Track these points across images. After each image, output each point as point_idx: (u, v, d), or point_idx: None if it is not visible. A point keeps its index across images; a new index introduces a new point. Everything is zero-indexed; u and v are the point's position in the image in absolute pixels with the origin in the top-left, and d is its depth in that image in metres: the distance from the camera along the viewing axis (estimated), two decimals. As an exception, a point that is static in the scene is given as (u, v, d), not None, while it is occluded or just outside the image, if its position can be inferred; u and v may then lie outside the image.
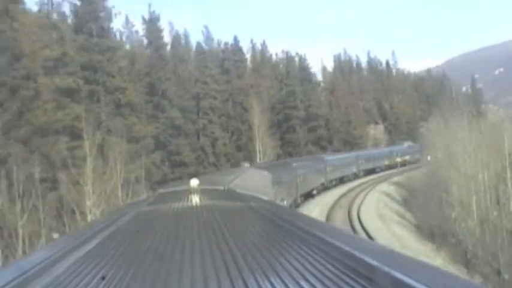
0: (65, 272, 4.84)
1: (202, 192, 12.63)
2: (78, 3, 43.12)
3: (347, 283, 3.83)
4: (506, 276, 32.13)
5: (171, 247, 6.17)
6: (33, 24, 38.58)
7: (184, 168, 50.12)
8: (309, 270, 4.33)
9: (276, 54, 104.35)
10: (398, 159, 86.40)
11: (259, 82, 79.99)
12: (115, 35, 53.64)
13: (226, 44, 75.08)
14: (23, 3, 38.26)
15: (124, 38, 65.14)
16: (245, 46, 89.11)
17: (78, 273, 4.78)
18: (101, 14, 44.42)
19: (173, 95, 52.65)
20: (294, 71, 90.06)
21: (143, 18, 56.30)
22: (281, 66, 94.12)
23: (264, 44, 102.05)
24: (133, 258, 5.46)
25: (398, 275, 3.61)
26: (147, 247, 6.09)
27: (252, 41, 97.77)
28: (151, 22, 55.81)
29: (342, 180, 66.32)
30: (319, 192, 54.47)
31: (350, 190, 60.30)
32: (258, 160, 55.68)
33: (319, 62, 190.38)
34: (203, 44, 75.51)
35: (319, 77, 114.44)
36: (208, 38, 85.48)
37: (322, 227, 8.79)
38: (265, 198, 14.43)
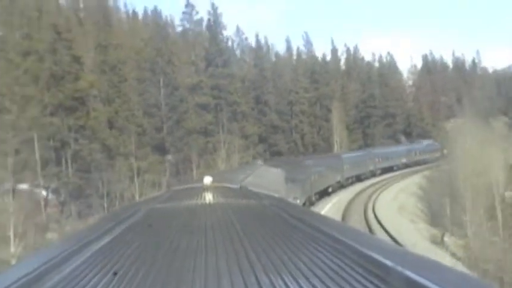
0: (77, 267, 4.90)
1: (215, 189, 12.79)
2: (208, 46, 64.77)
3: (360, 282, 3.81)
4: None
5: (184, 244, 6.18)
6: (181, 63, 60.65)
7: (280, 155, 70.24)
8: (322, 268, 4.33)
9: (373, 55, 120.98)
10: (416, 158, 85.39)
11: (348, 85, 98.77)
12: (227, 43, 75.23)
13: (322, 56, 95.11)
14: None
15: (235, 45, 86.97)
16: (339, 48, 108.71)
17: (90, 269, 4.83)
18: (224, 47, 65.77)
19: (272, 102, 73.08)
20: (381, 72, 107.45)
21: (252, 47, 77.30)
22: (368, 69, 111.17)
23: (356, 48, 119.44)
24: (146, 255, 5.47)
25: (412, 275, 3.60)
26: (160, 244, 6.14)
27: (345, 45, 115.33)
28: (259, 49, 76.73)
29: (359, 178, 65.81)
30: (335, 190, 54.51)
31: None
32: (335, 150, 74.84)
33: (409, 60, 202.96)
34: (303, 48, 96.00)
35: (406, 74, 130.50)
36: (308, 42, 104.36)
37: (334, 225, 8.58)
38: (278, 196, 14.79)
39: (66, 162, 50.81)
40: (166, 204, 11.27)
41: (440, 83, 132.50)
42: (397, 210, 42.54)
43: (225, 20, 70.59)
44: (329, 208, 44.17)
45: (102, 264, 5.01)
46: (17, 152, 49.46)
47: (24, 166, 49.12)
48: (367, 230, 34.10)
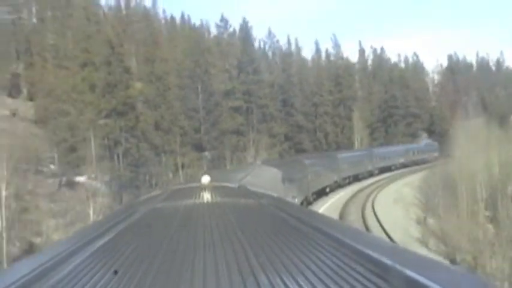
0: (77, 266, 4.95)
1: (214, 189, 12.83)
2: (240, 55, 72.84)
3: (359, 281, 3.82)
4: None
5: (183, 243, 6.22)
6: (216, 71, 68.96)
7: (304, 152, 77.93)
8: (321, 268, 4.35)
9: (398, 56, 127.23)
10: (414, 158, 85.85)
11: (373, 85, 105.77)
12: (260, 45, 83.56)
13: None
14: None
15: (267, 47, 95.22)
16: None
17: (90, 268, 4.89)
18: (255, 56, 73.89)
19: (298, 104, 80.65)
20: (402, 73, 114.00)
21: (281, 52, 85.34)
22: (390, 71, 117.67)
23: (382, 49, 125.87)
24: (146, 254, 5.51)
25: (411, 274, 3.62)
26: (159, 243, 6.16)
27: (371, 47, 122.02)
28: (288, 55, 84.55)
29: (356, 178, 65.54)
30: (332, 190, 54.54)
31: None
32: (355, 146, 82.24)
33: (436, 60, 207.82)
34: (331, 49, 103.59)
35: (432, 74, 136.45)
36: (336, 44, 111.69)
37: (333, 224, 8.67)
38: (276, 195, 14.96)
39: (118, 158, 59.32)
40: (165, 204, 11.28)
41: (463, 83, 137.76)
42: (394, 200, 46.73)
43: (257, 20, 78.92)
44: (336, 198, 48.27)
45: (103, 263, 5.09)
46: (75, 149, 58.38)
47: (82, 161, 57.95)
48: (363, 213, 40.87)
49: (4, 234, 36.84)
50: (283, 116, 77.95)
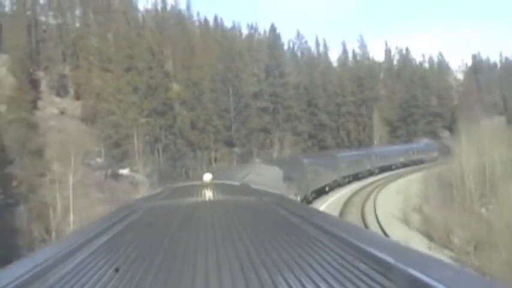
0: (79, 264, 4.95)
1: (216, 187, 12.91)
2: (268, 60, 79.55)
3: (361, 279, 3.83)
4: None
5: (184, 241, 6.23)
6: (246, 75, 75.95)
7: (327, 150, 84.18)
8: (323, 265, 4.36)
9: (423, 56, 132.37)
10: (414, 157, 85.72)
11: (396, 85, 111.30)
12: (289, 46, 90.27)
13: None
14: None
15: (296, 47, 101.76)
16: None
17: (91, 266, 4.88)
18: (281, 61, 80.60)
19: (322, 104, 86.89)
20: (424, 74, 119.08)
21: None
22: (411, 71, 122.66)
23: (407, 50, 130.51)
24: (147, 252, 5.51)
25: (415, 273, 3.61)
26: (161, 241, 6.17)
27: (397, 47, 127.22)
28: (314, 58, 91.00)
29: (356, 177, 65.77)
30: (332, 189, 54.72)
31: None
32: (374, 143, 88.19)
33: (461, 60, 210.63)
34: (358, 50, 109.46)
35: (455, 72, 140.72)
36: (362, 45, 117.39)
37: (335, 222, 8.71)
38: (279, 193, 14.82)
39: (158, 153, 66.52)
40: (167, 202, 11.26)
41: (486, 82, 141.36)
42: (396, 192, 50.27)
43: (286, 20, 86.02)
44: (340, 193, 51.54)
45: (104, 260, 5.13)
46: (119, 145, 65.69)
47: (126, 156, 65.24)
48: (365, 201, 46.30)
49: (72, 216, 43.35)
50: (308, 115, 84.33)
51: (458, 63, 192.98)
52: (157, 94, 65.98)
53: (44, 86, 78.67)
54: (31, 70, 74.45)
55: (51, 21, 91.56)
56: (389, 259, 4.05)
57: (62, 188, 51.47)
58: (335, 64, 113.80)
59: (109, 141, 66.06)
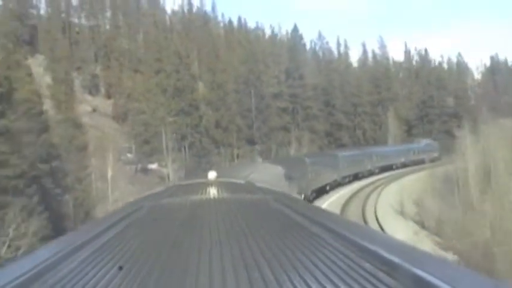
0: (82, 262, 4.95)
1: (220, 185, 12.90)
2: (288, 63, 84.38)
3: (366, 279, 3.83)
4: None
5: (188, 239, 6.24)
6: (267, 77, 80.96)
7: (343, 147, 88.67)
8: (328, 265, 4.36)
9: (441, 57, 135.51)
10: (414, 157, 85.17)
11: (414, 85, 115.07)
12: (311, 46, 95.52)
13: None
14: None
15: (317, 48, 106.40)
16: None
17: (95, 264, 4.90)
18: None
19: (339, 104, 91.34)
20: (440, 76, 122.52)
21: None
22: (428, 72, 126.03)
23: (426, 51, 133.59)
24: (151, 250, 5.54)
25: (420, 273, 3.62)
26: (165, 238, 6.19)
27: (416, 49, 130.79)
28: (330, 62, 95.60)
29: (356, 177, 65.79)
30: (332, 188, 54.71)
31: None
32: (389, 142, 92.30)
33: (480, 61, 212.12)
34: (377, 51, 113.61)
35: (474, 72, 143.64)
36: (382, 45, 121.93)
37: (340, 221, 8.69)
38: (283, 191, 15.06)
39: (185, 149, 71.65)
40: (171, 199, 11.21)
41: (504, 83, 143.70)
42: (401, 189, 53.57)
43: (308, 19, 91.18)
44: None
45: (108, 259, 5.13)
46: (149, 141, 70.95)
47: (154, 152, 70.47)
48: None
49: (110, 205, 48.53)
50: (325, 115, 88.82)
51: (476, 63, 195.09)
52: (184, 95, 71.13)
53: (77, 85, 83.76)
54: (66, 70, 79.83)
55: (84, 22, 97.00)
56: (395, 259, 4.05)
57: (100, 180, 56.89)
58: (355, 64, 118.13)
59: (139, 138, 71.32)
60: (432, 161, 76.26)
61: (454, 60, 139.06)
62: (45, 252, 5.73)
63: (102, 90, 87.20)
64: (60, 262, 4.93)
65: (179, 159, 69.72)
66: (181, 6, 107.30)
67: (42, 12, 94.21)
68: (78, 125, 54.47)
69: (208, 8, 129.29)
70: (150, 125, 71.28)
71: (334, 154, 62.10)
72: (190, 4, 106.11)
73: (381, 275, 3.83)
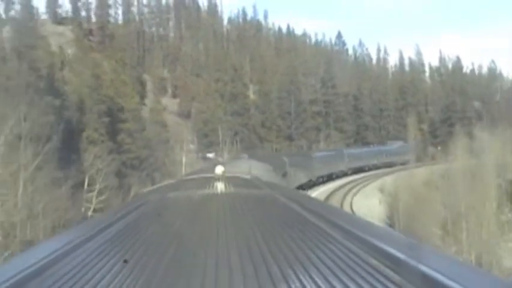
0: (89, 255, 5.02)
1: (227, 179, 13.06)
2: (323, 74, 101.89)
3: (371, 275, 3.89)
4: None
5: (195, 233, 6.32)
6: (304, 86, 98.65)
7: (368, 144, 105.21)
8: (333, 260, 4.43)
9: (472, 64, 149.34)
10: (386, 160, 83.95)
11: (441, 91, 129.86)
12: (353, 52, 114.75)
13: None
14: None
15: (357, 54, 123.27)
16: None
17: (102, 257, 4.98)
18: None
19: (367, 109, 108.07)
20: (464, 83, 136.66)
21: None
22: (452, 80, 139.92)
23: (458, 58, 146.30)
24: (157, 243, 5.59)
25: (425, 269, 3.66)
26: (171, 232, 6.26)
27: (448, 57, 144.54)
28: (363, 71, 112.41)
29: (330, 178, 65.22)
30: (305, 189, 52.87)
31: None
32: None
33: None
34: (414, 57, 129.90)
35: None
36: (418, 52, 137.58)
37: (346, 217, 8.76)
38: (287, 186, 14.85)
39: (236, 143, 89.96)
40: (178, 193, 11.37)
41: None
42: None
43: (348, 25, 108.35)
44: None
45: (114, 252, 5.22)
46: (207, 135, 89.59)
47: (212, 144, 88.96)
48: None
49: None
50: (353, 117, 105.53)
51: (508, 70, 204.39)
52: (237, 100, 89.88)
53: (149, 86, 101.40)
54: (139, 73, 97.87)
55: (153, 29, 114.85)
56: (400, 255, 4.10)
57: (173, 165, 75.21)
58: (393, 69, 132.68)
59: (200, 132, 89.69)
60: (402, 163, 74.71)
61: (486, 65, 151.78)
62: (55, 244, 5.83)
63: (170, 91, 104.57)
64: (67, 254, 5.06)
65: (232, 150, 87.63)
66: (237, 15, 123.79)
67: (120, 21, 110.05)
68: (164, 125, 73.67)
69: (260, 15, 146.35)
70: (209, 122, 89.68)
71: (309, 155, 63.10)
72: (244, 13, 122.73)
73: (387, 271, 3.92)
